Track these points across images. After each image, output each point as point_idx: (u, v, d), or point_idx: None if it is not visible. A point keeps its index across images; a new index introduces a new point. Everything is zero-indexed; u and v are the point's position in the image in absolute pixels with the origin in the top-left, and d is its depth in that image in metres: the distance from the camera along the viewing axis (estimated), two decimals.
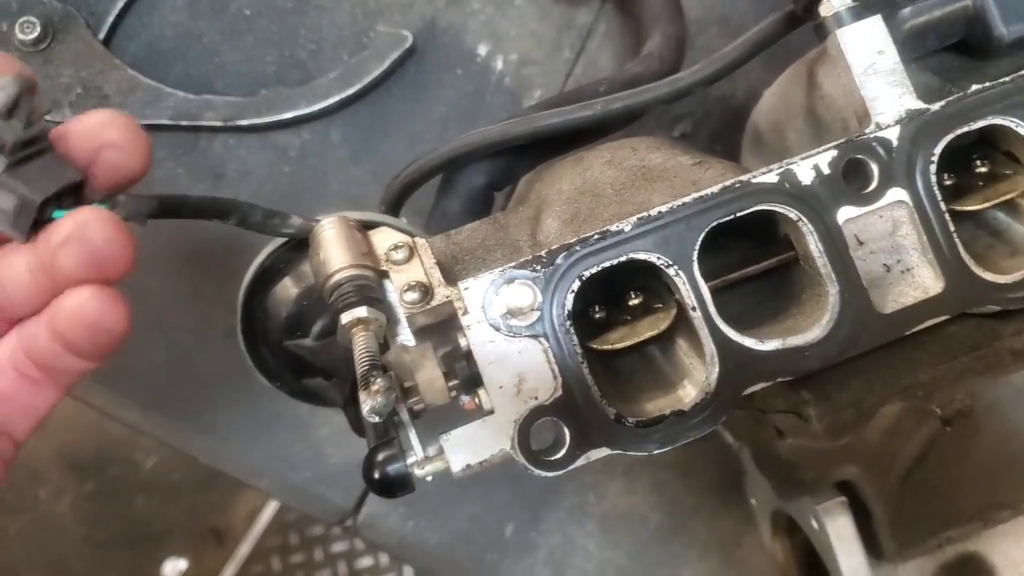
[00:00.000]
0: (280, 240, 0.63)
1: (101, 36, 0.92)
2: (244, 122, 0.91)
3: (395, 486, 0.53)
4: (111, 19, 0.92)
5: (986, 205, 0.57)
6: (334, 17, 0.94)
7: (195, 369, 0.90)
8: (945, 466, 0.65)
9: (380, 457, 0.53)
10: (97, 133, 0.55)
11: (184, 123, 0.90)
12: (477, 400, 0.54)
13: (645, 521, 0.90)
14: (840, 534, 0.66)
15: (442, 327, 0.56)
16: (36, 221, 0.51)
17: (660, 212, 0.53)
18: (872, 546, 0.67)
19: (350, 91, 0.91)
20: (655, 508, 0.90)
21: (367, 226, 0.59)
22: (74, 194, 0.53)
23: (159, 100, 0.90)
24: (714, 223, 0.53)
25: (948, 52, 0.62)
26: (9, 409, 0.56)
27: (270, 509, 2.23)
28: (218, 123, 0.90)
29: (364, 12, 0.94)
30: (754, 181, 0.54)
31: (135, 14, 0.94)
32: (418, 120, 0.93)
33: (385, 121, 0.93)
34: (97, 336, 0.54)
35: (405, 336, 0.56)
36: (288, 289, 0.63)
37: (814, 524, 0.68)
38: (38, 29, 0.89)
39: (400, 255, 0.56)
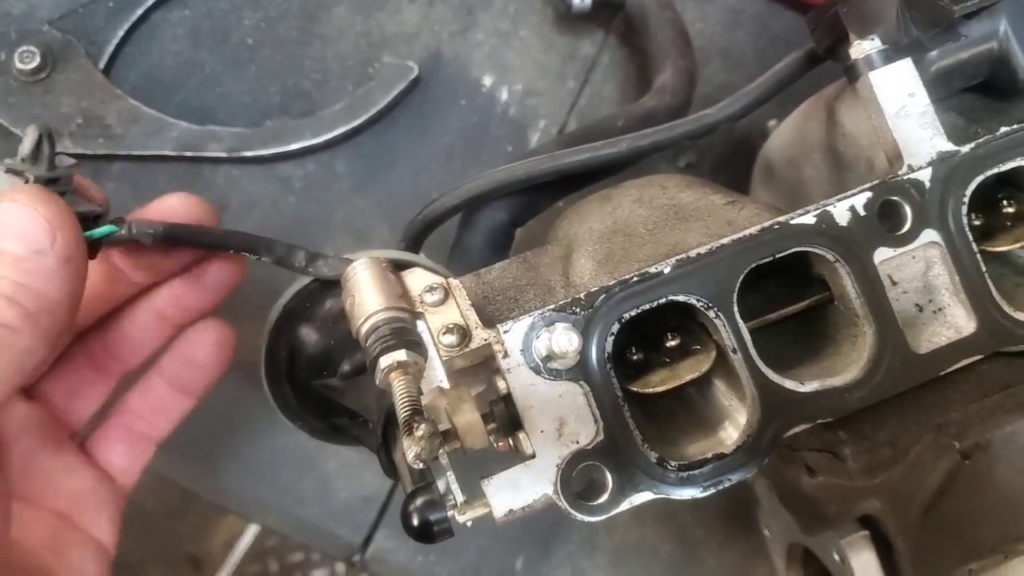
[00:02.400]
0: (306, 279, 0.62)
1: (101, 65, 0.90)
2: (248, 153, 0.90)
3: (436, 532, 0.52)
4: (111, 48, 0.91)
5: (1017, 246, 0.58)
6: (339, 48, 0.94)
7: (200, 404, 0.88)
8: (965, 499, 0.65)
9: (419, 503, 0.52)
10: (170, 211, 0.63)
11: (188, 154, 0.89)
12: (511, 442, 0.54)
13: (656, 553, 0.90)
14: (863, 568, 0.66)
15: (477, 369, 0.56)
16: None
17: (699, 254, 0.53)
18: None
19: (355, 122, 0.90)
20: (665, 539, 0.90)
21: (397, 266, 0.58)
22: (94, 223, 0.58)
23: (162, 131, 0.89)
24: (753, 264, 0.53)
25: (970, 93, 0.63)
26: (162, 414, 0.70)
27: (248, 535, 2.20)
28: (222, 154, 0.89)
29: (369, 43, 0.94)
30: (792, 222, 0.54)
31: (135, 43, 0.93)
32: (423, 151, 0.93)
33: (390, 152, 0.93)
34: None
35: (440, 379, 0.55)
36: (314, 328, 0.62)
37: (836, 558, 0.68)
38: (38, 59, 0.88)
39: (435, 297, 0.55)
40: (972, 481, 0.62)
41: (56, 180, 0.56)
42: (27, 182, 0.55)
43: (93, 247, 0.57)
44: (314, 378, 0.63)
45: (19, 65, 0.88)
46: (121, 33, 0.91)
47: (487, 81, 0.95)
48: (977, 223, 0.59)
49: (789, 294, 0.58)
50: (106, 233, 0.58)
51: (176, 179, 0.90)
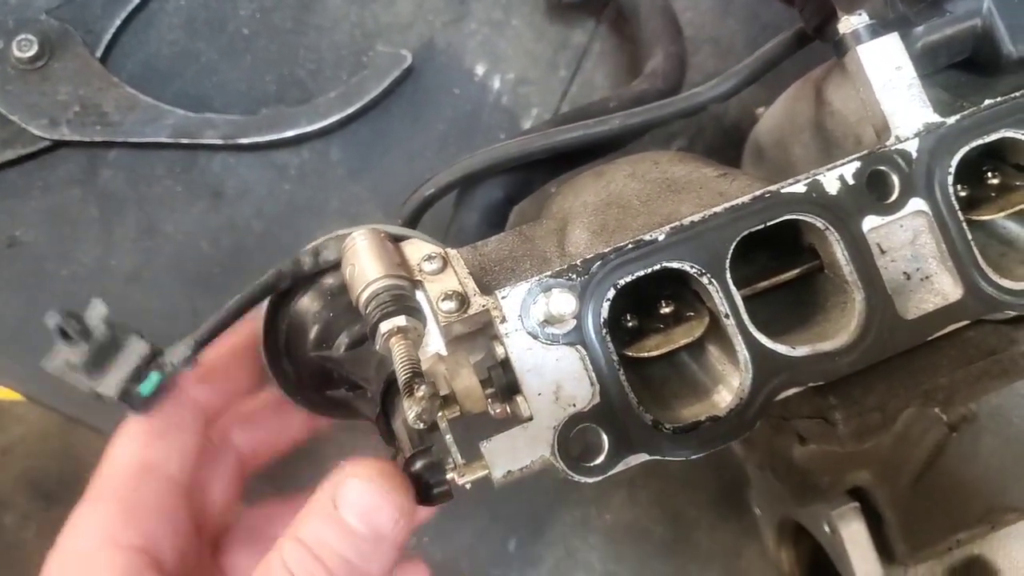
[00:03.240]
0: (302, 254, 0.63)
1: (98, 54, 0.91)
2: (244, 140, 0.91)
3: (435, 495, 0.53)
4: (108, 37, 0.92)
5: (1001, 214, 0.59)
6: (333, 37, 0.95)
7: None
8: (953, 471, 0.66)
9: (419, 465, 0.53)
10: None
11: (184, 141, 0.90)
12: (510, 409, 0.55)
13: (648, 533, 0.91)
14: (854, 539, 0.67)
15: (473, 336, 0.57)
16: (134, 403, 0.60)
17: (693, 222, 0.55)
18: (884, 550, 0.68)
19: (350, 110, 0.92)
20: (657, 520, 0.91)
21: (396, 239, 0.59)
22: (147, 365, 0.60)
23: (159, 118, 0.90)
24: (746, 232, 0.55)
25: (955, 69, 0.64)
26: None
27: None
28: (218, 141, 0.90)
29: (363, 32, 0.95)
30: (783, 191, 0.55)
31: (132, 32, 0.94)
32: (417, 138, 0.94)
33: (384, 139, 0.94)
34: None
35: (438, 346, 0.56)
36: (312, 302, 0.63)
37: (827, 530, 0.69)
38: (35, 47, 0.89)
39: (433, 266, 0.56)
40: (960, 453, 0.63)
41: (101, 344, 0.59)
42: (76, 369, 0.58)
43: (154, 397, 0.60)
44: (313, 351, 0.63)
45: (17, 53, 0.88)
46: (118, 22, 0.92)
47: (480, 70, 0.96)
48: (963, 194, 0.60)
49: (781, 264, 0.59)
50: (157, 384, 0.60)
51: (172, 166, 0.91)
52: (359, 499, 0.53)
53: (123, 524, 0.59)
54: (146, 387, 0.59)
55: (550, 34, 0.97)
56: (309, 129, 0.91)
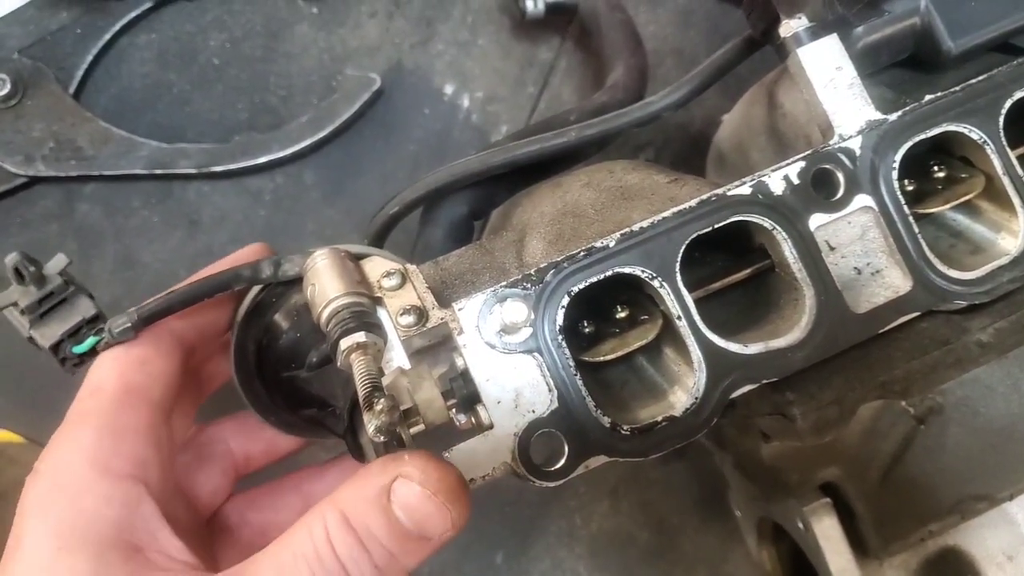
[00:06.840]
0: (259, 264, 0.64)
1: (71, 90, 0.93)
2: (218, 168, 0.92)
3: None
4: (80, 73, 0.94)
5: (946, 206, 0.60)
6: (302, 63, 0.96)
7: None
8: (922, 463, 0.67)
9: None
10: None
11: (158, 171, 0.91)
12: (473, 419, 0.56)
13: (632, 540, 0.92)
14: (827, 534, 0.68)
15: (436, 349, 0.58)
16: (64, 358, 0.61)
17: (642, 227, 0.56)
18: (858, 544, 0.69)
19: (321, 134, 0.93)
20: (642, 527, 0.92)
21: (357, 257, 0.61)
22: (90, 324, 0.61)
23: (132, 150, 0.91)
24: (694, 235, 0.56)
25: (899, 67, 0.66)
26: None
27: None
28: (192, 170, 0.92)
29: (332, 57, 0.97)
30: (729, 194, 0.56)
31: (104, 68, 0.95)
32: (389, 159, 0.95)
33: (357, 162, 0.95)
34: None
35: (400, 360, 0.57)
36: (281, 322, 0.64)
37: (801, 527, 0.70)
38: (8, 86, 0.90)
39: (393, 282, 0.57)
40: (928, 445, 0.64)
41: (51, 294, 0.60)
42: (22, 312, 0.60)
43: (88, 356, 0.60)
44: (283, 371, 0.64)
45: None
46: (90, 58, 0.94)
47: (448, 90, 0.98)
48: (911, 188, 0.61)
49: (735, 265, 0.61)
50: (91, 346, 0.60)
51: (148, 197, 0.93)
52: (415, 504, 0.51)
53: (113, 450, 0.56)
54: (80, 347, 0.59)
55: (516, 52, 0.99)
56: (282, 154, 0.93)
